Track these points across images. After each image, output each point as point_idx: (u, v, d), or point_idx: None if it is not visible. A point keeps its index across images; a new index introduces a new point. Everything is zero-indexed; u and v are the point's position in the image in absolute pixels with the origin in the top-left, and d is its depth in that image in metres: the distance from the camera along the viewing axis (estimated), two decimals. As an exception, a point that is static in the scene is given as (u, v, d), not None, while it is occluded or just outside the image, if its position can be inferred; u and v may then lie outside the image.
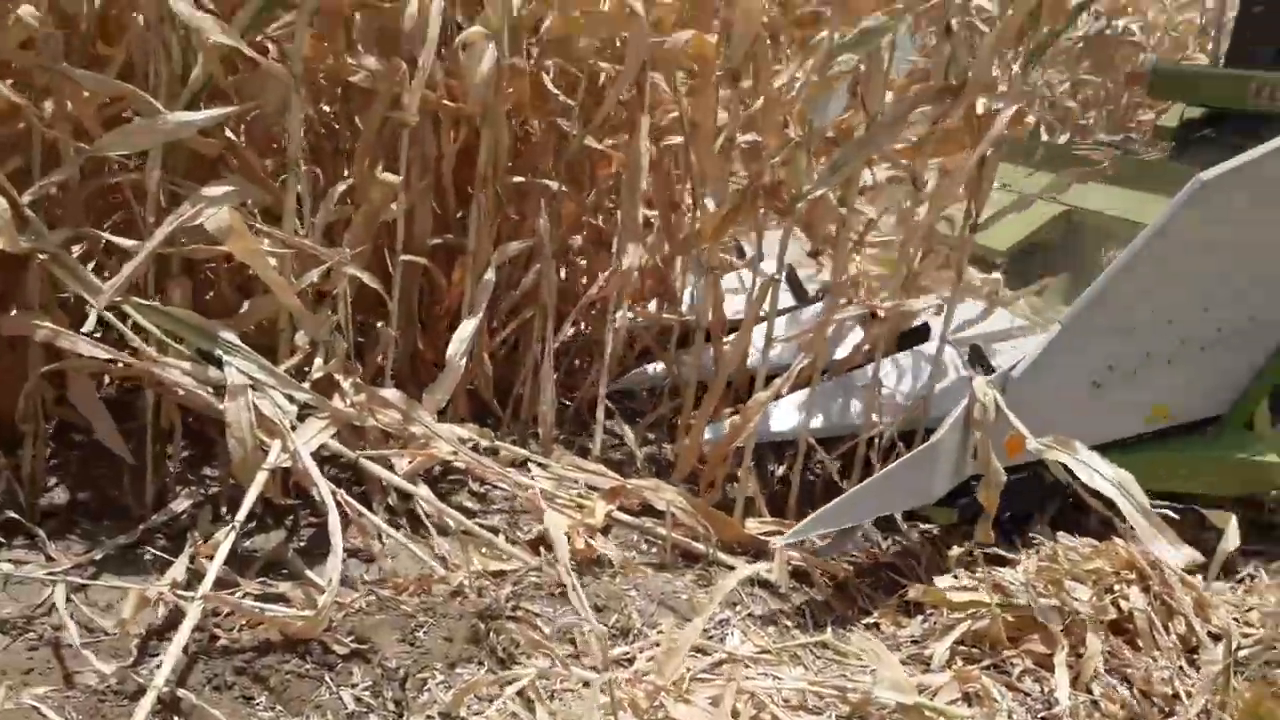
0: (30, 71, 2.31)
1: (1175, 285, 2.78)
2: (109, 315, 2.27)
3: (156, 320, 2.33)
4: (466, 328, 2.93)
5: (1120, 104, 9.07)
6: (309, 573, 2.40)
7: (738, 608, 2.50)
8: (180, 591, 2.11)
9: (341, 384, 2.58)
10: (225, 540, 2.09)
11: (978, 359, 3.10)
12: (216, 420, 2.33)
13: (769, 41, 2.80)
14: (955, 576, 2.65)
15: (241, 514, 2.16)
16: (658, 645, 2.17)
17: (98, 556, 2.36)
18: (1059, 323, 2.71)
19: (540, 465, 2.94)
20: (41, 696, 1.89)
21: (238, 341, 2.38)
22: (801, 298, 3.70)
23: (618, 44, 3.04)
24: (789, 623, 2.52)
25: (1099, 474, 2.38)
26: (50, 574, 2.23)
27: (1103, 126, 8.96)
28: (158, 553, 2.36)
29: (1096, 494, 2.40)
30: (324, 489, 2.23)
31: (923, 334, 3.34)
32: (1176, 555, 2.32)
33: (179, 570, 2.22)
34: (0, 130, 2.30)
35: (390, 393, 2.67)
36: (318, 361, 2.56)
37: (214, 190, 2.37)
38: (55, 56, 2.28)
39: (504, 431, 3.24)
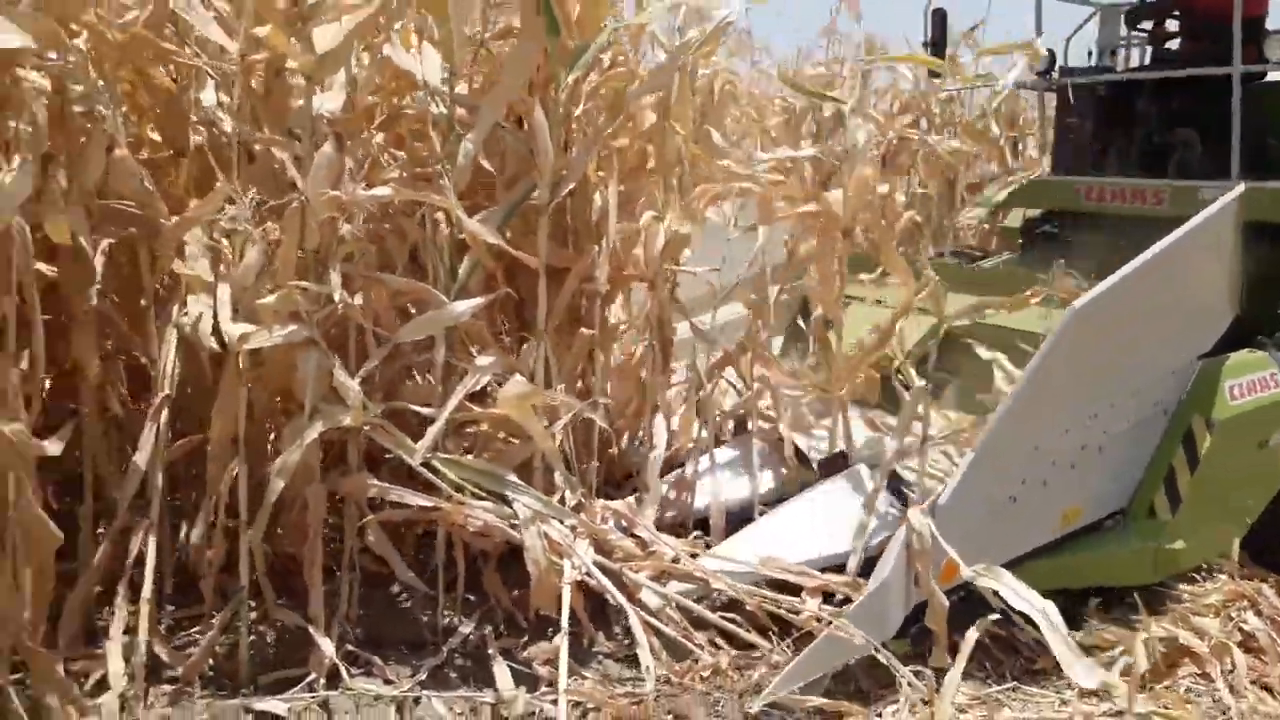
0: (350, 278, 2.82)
1: (1068, 400, 3.03)
2: (422, 470, 2.76)
3: (457, 470, 2.82)
4: (659, 448, 3.49)
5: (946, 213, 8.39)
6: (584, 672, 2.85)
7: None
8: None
9: (589, 505, 3.08)
10: (563, 645, 2.57)
11: (895, 485, 3.26)
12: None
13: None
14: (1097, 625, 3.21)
15: (564, 622, 2.63)
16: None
17: (422, 677, 2.76)
18: (971, 450, 2.94)
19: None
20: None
21: (520, 482, 2.88)
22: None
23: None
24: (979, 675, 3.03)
25: (1026, 601, 2.61)
26: (394, 695, 2.64)
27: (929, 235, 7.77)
28: (466, 669, 2.79)
29: (1022, 615, 2.65)
30: (620, 597, 2.72)
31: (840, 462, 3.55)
32: (1091, 679, 2.53)
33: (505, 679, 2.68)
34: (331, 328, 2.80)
35: (622, 504, 3.18)
36: (567, 492, 3.06)
37: (484, 361, 2.91)
38: (370, 265, 2.82)
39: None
